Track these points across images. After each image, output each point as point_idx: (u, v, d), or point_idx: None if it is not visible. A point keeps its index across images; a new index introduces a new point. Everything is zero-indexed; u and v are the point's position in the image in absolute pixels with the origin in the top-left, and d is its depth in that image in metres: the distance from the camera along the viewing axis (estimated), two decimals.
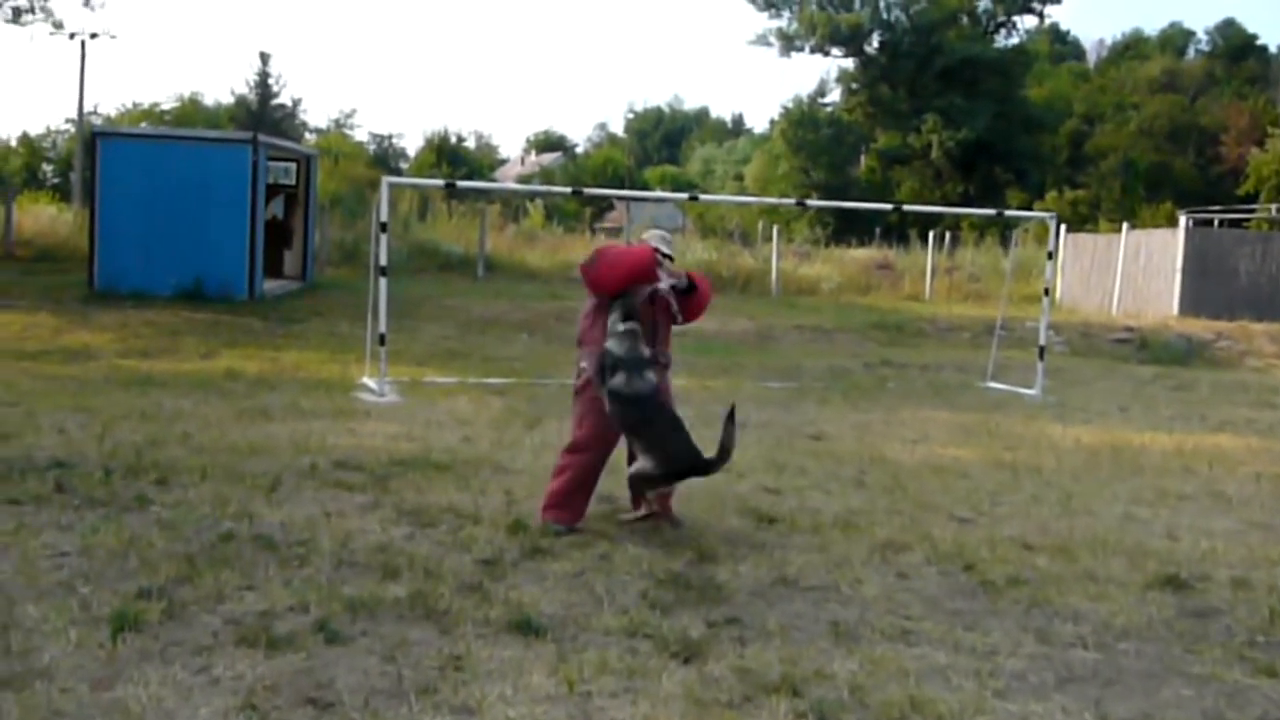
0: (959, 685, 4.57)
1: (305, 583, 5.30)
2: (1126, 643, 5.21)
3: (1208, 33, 79.99)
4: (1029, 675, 4.75)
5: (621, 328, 6.48)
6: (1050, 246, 15.17)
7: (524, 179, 72.83)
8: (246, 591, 5.15)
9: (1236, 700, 4.63)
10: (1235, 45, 74.73)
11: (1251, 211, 38.34)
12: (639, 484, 6.46)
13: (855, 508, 7.53)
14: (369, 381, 11.79)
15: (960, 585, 5.98)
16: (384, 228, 11.82)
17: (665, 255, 6.85)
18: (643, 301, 6.63)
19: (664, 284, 6.64)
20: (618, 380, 6.36)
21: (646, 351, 6.49)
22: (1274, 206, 39.25)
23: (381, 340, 11.73)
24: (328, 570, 5.53)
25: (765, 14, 64.31)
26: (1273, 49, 75.95)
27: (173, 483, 7.08)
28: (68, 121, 60.72)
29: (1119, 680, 4.77)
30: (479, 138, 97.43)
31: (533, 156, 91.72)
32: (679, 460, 6.32)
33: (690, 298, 6.86)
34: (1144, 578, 6.21)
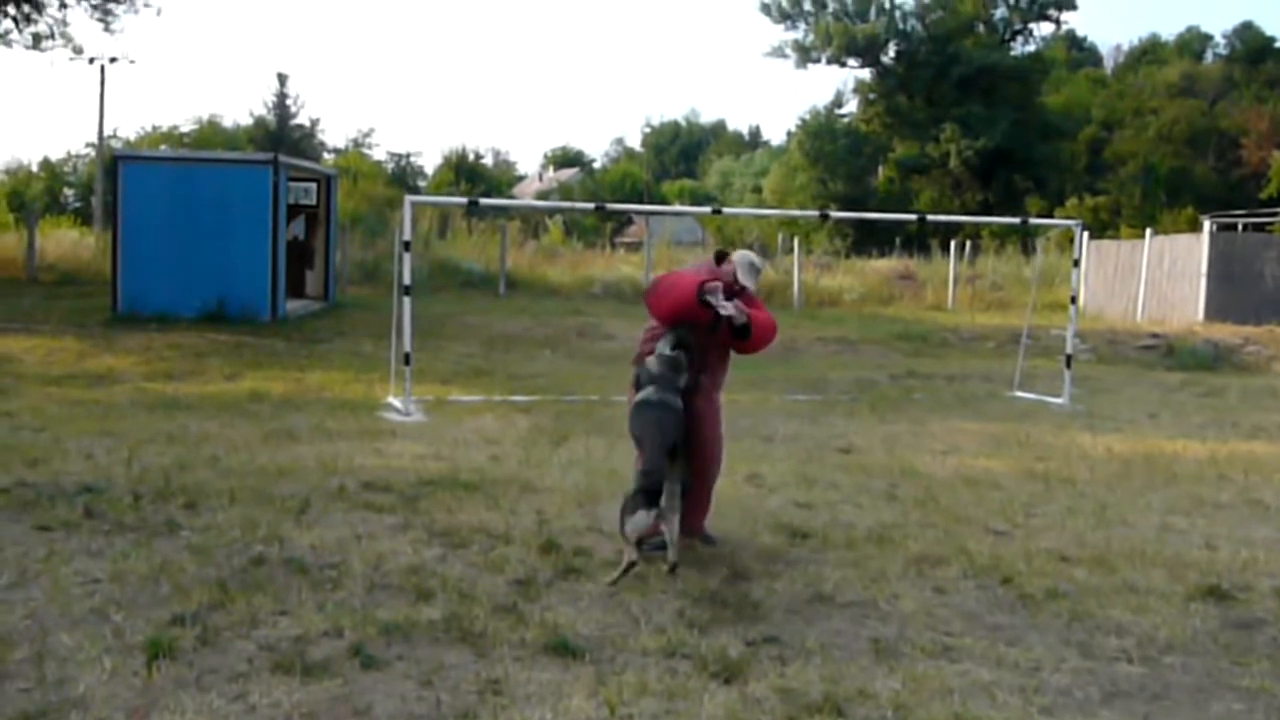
0: (1004, 702, 4.50)
1: (339, 606, 5.26)
2: (1171, 656, 5.13)
3: (1225, 36, 79.66)
4: (1074, 691, 4.67)
5: (668, 353, 6.38)
6: (1076, 254, 15.06)
7: (542, 195, 72.95)
8: (280, 616, 5.11)
9: None
10: (1254, 48, 74.34)
11: (1275, 215, 38.07)
12: (622, 511, 6.02)
13: (888, 521, 7.46)
14: (394, 401, 11.77)
15: (999, 599, 5.91)
16: (407, 246, 11.81)
17: (741, 286, 6.51)
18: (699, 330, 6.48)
19: (724, 311, 6.30)
20: (647, 390, 6.32)
21: (683, 380, 6.36)
22: None
23: (406, 359, 11.70)
24: (360, 593, 5.49)
25: (781, 26, 64.40)
26: None
27: (202, 506, 7.06)
28: (88, 146, 61.13)
29: (1166, 695, 4.69)
30: (496, 155, 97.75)
31: (550, 173, 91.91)
32: (657, 473, 5.99)
33: (743, 341, 6.55)
34: (1185, 589, 6.13)
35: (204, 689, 4.31)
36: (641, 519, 5.91)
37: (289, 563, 5.92)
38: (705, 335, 6.48)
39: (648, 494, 5.93)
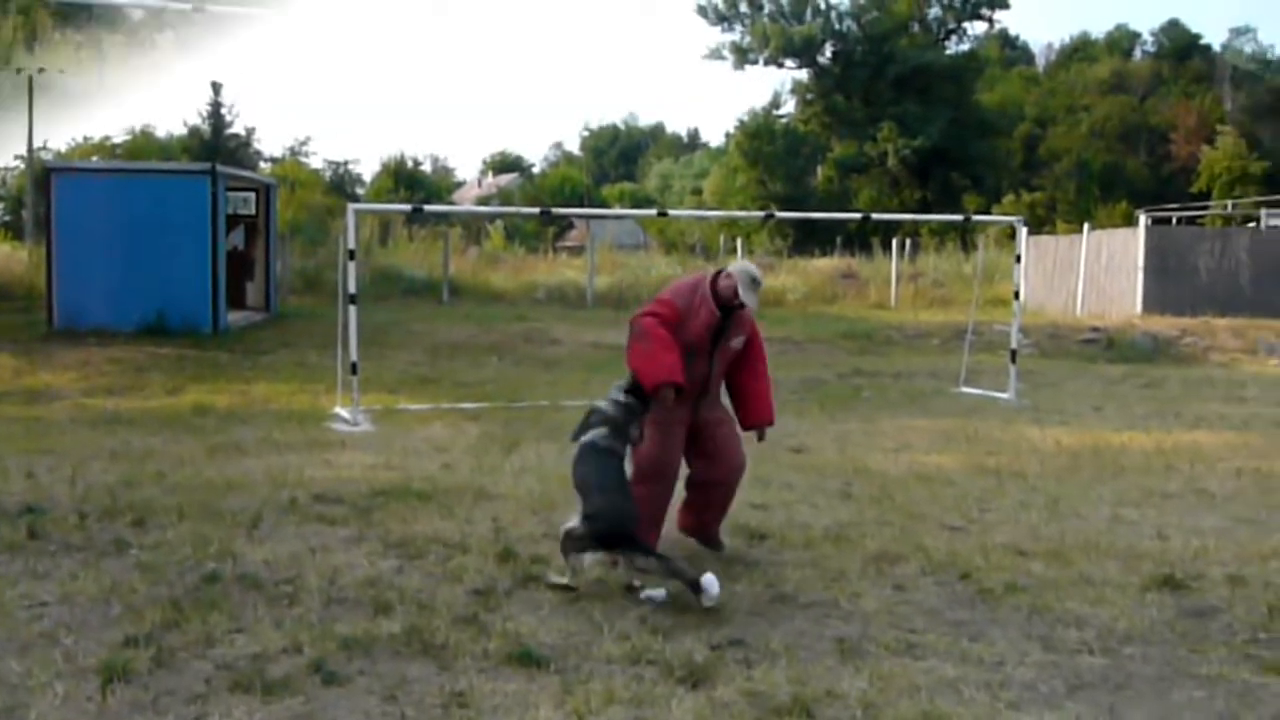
0: (971, 698, 4.51)
1: (296, 622, 5.17)
2: (1131, 646, 5.17)
3: (1153, 34, 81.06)
4: (1039, 685, 4.69)
5: (621, 399, 6.07)
6: (1018, 250, 15.22)
7: (482, 200, 72.71)
8: (236, 634, 5.01)
9: (1248, 699, 4.60)
10: (1180, 45, 75.74)
11: (1206, 208, 38.79)
12: (566, 542, 5.85)
13: (844, 520, 7.47)
14: (342, 411, 11.63)
15: (958, 595, 5.93)
16: (352, 255, 11.69)
17: (741, 303, 6.23)
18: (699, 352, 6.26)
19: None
20: (597, 433, 6.00)
21: (635, 432, 6.06)
22: (1229, 203, 39.74)
23: (353, 369, 11.58)
24: (318, 608, 5.40)
25: (718, 28, 64.65)
26: (1216, 48, 77.03)
27: (150, 524, 6.91)
28: (17, 158, 60.03)
29: (1129, 685, 4.72)
30: (435, 161, 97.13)
31: (490, 178, 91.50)
32: (605, 520, 5.70)
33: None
34: (1140, 579, 6.19)
35: (161, 712, 4.21)
36: (591, 559, 5.72)
37: (243, 579, 5.81)
38: (707, 360, 6.32)
39: (597, 538, 5.69)
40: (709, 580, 5.43)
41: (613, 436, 6.00)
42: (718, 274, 6.39)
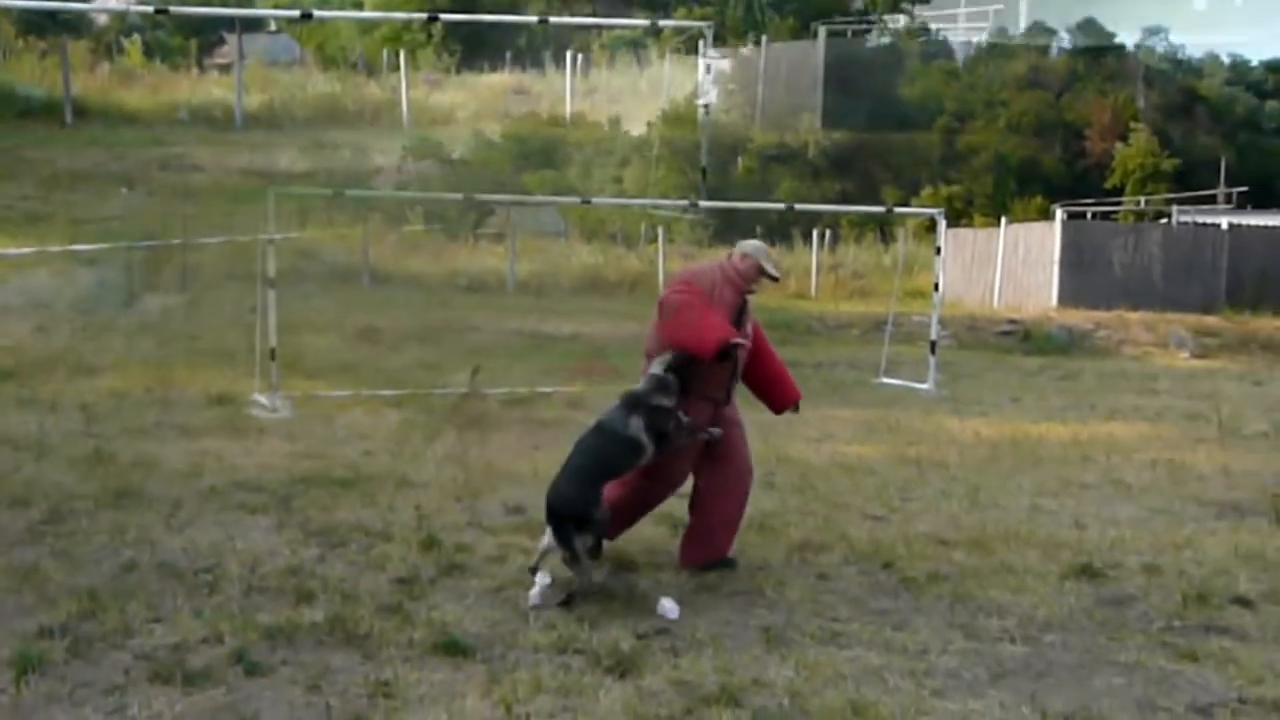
0: (896, 686, 4.55)
1: (217, 612, 5.08)
2: (1051, 634, 5.26)
3: (1069, 31, 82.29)
4: (962, 672, 4.75)
5: (659, 373, 5.79)
6: (938, 242, 15.38)
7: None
8: (155, 624, 4.91)
9: (1164, 686, 4.70)
10: (1095, 43, 76.99)
11: (1120, 204, 39.53)
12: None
13: (768, 509, 7.50)
14: (260, 397, 11.43)
15: (882, 584, 5.99)
16: (271, 240, 11.50)
17: (772, 277, 6.16)
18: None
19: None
20: (611, 408, 5.83)
21: (667, 400, 5.72)
22: (1142, 199, 40.55)
23: (272, 354, 11.39)
24: (239, 597, 5.31)
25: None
26: (1130, 47, 78.43)
27: (65, 512, 6.74)
28: None
29: (1050, 673, 4.80)
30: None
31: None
32: (552, 497, 5.52)
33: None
34: (1059, 568, 6.30)
35: (78, 703, 4.11)
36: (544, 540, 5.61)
37: (161, 567, 5.70)
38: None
39: (547, 508, 5.53)
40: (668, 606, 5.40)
41: (621, 408, 5.74)
42: (728, 257, 6.21)
